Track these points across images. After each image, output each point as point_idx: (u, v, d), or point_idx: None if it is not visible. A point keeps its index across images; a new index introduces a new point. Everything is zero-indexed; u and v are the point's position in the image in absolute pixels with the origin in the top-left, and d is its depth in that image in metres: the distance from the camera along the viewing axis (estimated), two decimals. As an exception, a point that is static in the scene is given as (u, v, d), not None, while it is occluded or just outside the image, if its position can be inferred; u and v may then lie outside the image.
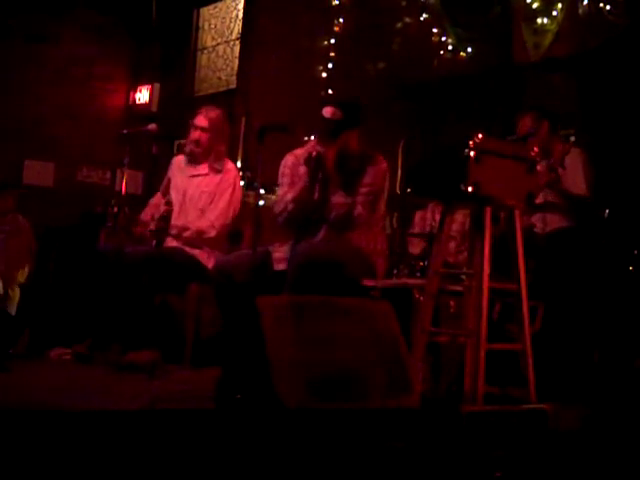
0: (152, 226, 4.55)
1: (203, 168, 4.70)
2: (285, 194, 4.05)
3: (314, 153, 3.92)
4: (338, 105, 3.96)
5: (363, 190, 3.94)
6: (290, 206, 4.00)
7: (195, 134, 4.68)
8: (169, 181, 4.80)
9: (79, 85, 7.97)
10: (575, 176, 4.58)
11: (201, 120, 4.69)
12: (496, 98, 6.03)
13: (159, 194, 4.84)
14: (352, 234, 3.97)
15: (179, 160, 4.85)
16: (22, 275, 6.18)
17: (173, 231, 4.54)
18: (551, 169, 4.48)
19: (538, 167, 3.24)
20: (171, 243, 4.57)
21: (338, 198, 3.93)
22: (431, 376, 3.37)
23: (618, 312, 4.29)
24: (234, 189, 4.66)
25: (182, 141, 5.02)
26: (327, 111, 3.96)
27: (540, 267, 4.13)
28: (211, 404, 2.91)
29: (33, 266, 6.26)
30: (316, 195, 3.98)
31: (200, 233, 4.53)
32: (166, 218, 4.54)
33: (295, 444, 2.45)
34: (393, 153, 5.23)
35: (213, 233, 4.54)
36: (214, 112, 4.75)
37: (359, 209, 3.91)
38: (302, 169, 4.03)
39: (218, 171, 4.66)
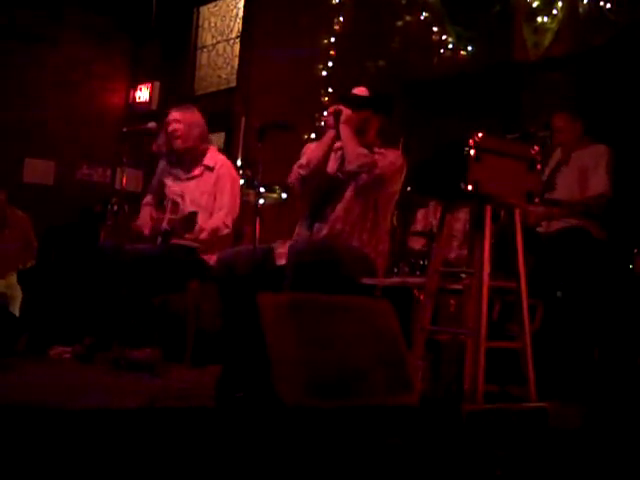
0: (166, 225, 4.51)
1: (197, 169, 4.70)
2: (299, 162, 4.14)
3: (335, 108, 4.04)
4: (369, 88, 4.13)
5: (382, 164, 3.99)
6: (303, 159, 4.08)
7: (171, 127, 4.69)
8: (162, 184, 4.77)
9: (79, 84, 7.99)
10: (595, 174, 4.59)
11: (173, 114, 4.72)
12: (496, 97, 6.03)
13: (149, 196, 4.82)
14: (355, 234, 3.98)
15: (166, 165, 4.83)
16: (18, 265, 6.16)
17: (190, 235, 4.52)
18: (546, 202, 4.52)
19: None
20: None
21: (362, 150, 3.99)
22: (431, 375, 3.36)
23: (618, 310, 4.29)
24: (233, 181, 4.67)
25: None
26: (357, 89, 4.14)
27: (540, 265, 4.13)
28: (211, 402, 2.91)
29: (34, 262, 6.26)
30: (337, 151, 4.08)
31: (215, 232, 4.52)
32: (191, 222, 4.43)
33: (295, 442, 2.45)
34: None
35: (227, 230, 4.56)
36: (187, 107, 4.81)
37: (380, 168, 3.96)
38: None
39: (211, 168, 4.66)
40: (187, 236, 4.50)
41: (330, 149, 4.08)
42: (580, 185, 4.67)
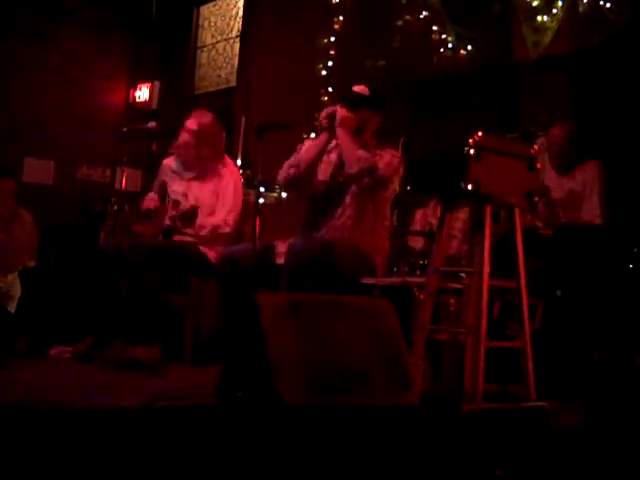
0: (168, 222, 4.55)
1: (201, 170, 4.71)
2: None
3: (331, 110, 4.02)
4: (368, 87, 4.12)
5: (382, 164, 3.97)
6: (295, 159, 4.08)
7: (183, 136, 4.71)
8: (164, 185, 4.79)
9: (79, 83, 7.97)
10: (589, 199, 4.59)
11: (191, 123, 4.72)
12: (496, 96, 6.03)
13: (152, 193, 4.83)
14: (355, 235, 3.97)
15: (170, 164, 4.84)
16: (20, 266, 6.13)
17: (191, 231, 4.54)
18: (548, 205, 4.52)
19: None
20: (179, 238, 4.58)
21: (362, 153, 3.95)
22: (431, 374, 3.37)
23: (618, 309, 4.29)
24: (236, 181, 4.70)
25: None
26: (357, 87, 4.12)
27: (543, 266, 4.14)
28: (212, 402, 2.91)
29: (35, 262, 6.24)
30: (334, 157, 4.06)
31: (215, 229, 4.55)
32: (191, 215, 4.52)
33: (295, 441, 2.45)
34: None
35: (228, 229, 4.60)
36: (205, 117, 4.78)
37: (380, 170, 3.93)
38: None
39: (216, 170, 4.69)
40: (188, 231, 4.51)
41: (323, 151, 4.07)
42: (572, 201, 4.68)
